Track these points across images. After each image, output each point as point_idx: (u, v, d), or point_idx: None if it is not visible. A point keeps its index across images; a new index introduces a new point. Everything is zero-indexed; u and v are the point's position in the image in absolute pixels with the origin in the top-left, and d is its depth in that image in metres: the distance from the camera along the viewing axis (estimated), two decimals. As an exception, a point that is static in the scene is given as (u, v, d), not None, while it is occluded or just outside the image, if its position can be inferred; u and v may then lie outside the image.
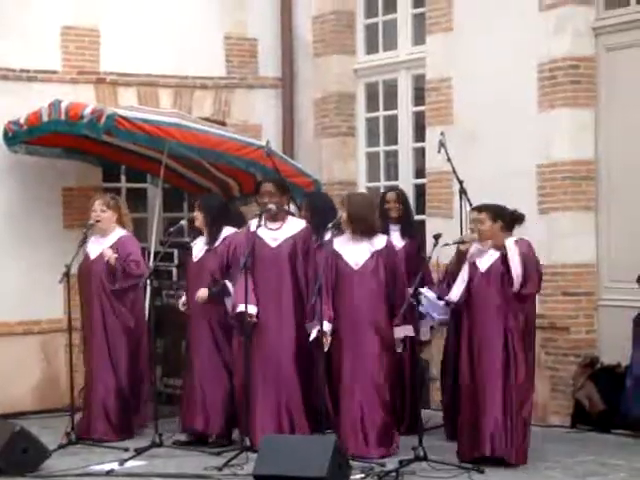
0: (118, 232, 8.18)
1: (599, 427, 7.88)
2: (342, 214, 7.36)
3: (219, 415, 7.68)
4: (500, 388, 6.92)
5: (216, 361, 7.72)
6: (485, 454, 6.90)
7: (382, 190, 9.57)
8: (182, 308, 7.95)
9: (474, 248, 7.18)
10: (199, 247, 7.89)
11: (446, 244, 7.19)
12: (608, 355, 8.03)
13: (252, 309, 7.40)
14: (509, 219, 7.15)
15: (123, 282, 7.99)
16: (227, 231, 7.86)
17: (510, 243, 6.96)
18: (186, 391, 7.85)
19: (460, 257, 7.27)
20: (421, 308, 7.11)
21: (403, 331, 7.20)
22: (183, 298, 7.94)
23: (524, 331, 7.03)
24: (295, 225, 7.69)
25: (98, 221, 8.05)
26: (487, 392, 6.95)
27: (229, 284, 7.64)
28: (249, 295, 7.29)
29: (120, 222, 8.21)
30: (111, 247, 8.06)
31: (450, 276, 7.35)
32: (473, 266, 7.14)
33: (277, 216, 7.64)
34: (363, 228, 7.30)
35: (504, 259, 6.98)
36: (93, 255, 8.11)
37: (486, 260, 7.10)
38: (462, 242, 7.26)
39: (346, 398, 7.21)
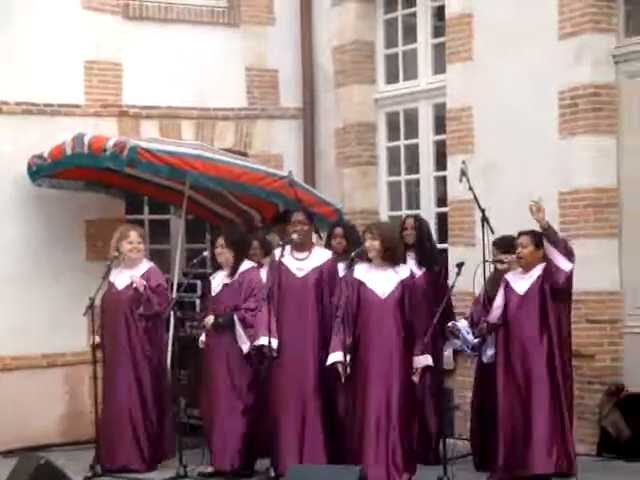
0: (146, 263, 8.28)
1: (626, 455, 7.81)
2: (368, 243, 7.27)
3: (236, 449, 7.66)
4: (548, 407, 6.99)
5: (232, 395, 7.69)
6: (536, 472, 6.93)
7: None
8: (201, 345, 7.95)
9: (511, 272, 7.24)
10: (217, 281, 7.89)
11: (486, 261, 7.19)
12: (634, 382, 7.97)
13: (274, 342, 7.40)
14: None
15: (146, 310, 8.03)
16: (245, 265, 7.90)
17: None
18: (208, 426, 7.84)
19: (497, 278, 7.26)
20: (456, 341, 7.20)
21: (424, 360, 7.14)
22: (203, 336, 7.93)
23: (564, 346, 7.10)
24: (321, 255, 7.68)
25: (129, 252, 8.08)
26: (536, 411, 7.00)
27: (236, 318, 7.66)
28: (272, 328, 7.33)
29: None
30: (142, 276, 8.12)
31: (486, 296, 7.35)
32: (509, 290, 7.18)
33: (304, 246, 7.65)
34: (394, 256, 7.25)
35: (543, 281, 7.06)
36: (120, 286, 8.15)
37: (523, 283, 7.14)
38: (500, 261, 7.27)
39: (372, 426, 7.17)
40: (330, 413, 7.44)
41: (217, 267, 7.99)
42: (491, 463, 7.20)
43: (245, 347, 7.64)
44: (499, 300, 7.26)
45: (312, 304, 7.52)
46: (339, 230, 8.21)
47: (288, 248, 7.61)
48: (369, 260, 7.27)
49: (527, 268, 7.22)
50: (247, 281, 7.81)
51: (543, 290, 7.12)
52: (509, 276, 7.31)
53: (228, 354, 7.73)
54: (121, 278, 8.17)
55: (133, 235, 8.18)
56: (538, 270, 7.18)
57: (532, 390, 7.04)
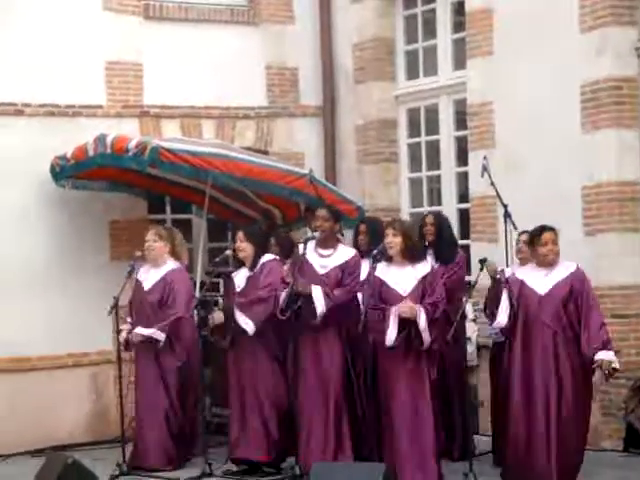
0: (170, 264, 8.27)
1: (652, 450, 7.81)
2: (389, 239, 7.19)
3: (264, 443, 7.66)
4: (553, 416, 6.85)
5: (259, 390, 7.68)
6: None
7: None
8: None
9: (524, 270, 7.14)
10: (240, 277, 7.87)
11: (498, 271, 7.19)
12: (659, 377, 7.95)
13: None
14: None
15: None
16: (266, 257, 7.85)
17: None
18: (231, 420, 7.84)
19: (497, 283, 7.20)
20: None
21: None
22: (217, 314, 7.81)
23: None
24: (345, 253, 7.65)
25: (142, 251, 8.11)
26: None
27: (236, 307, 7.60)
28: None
29: (173, 253, 8.29)
30: (159, 281, 8.13)
31: (488, 302, 7.32)
32: (526, 288, 7.02)
33: (327, 242, 7.64)
34: (413, 254, 7.17)
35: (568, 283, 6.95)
36: (147, 285, 8.19)
37: (544, 283, 6.98)
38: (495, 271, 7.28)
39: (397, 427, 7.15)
40: (354, 410, 7.44)
41: (239, 265, 7.99)
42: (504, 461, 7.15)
43: (249, 328, 7.59)
44: (507, 301, 7.01)
45: None
46: (362, 227, 8.18)
47: (311, 244, 7.60)
48: (389, 259, 7.22)
49: (552, 266, 7.03)
50: (266, 270, 7.74)
51: (571, 290, 6.91)
52: (522, 275, 7.09)
53: (255, 351, 7.69)
54: (148, 277, 8.20)
55: (149, 234, 8.27)
56: (562, 270, 6.99)
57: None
